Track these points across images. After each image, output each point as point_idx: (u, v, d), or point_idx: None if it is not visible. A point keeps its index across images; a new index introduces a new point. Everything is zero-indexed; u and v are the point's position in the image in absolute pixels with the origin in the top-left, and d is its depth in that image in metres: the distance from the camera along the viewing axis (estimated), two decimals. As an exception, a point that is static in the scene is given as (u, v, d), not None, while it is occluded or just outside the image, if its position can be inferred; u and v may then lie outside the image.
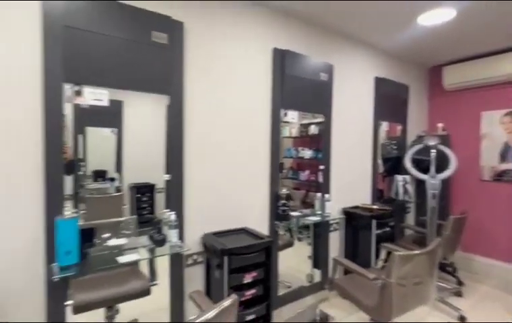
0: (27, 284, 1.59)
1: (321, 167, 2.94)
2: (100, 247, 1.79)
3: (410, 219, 3.88)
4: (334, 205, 2.96)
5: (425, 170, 3.18)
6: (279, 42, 2.53)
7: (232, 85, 2.30)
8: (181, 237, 2.00)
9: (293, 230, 2.92)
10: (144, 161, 2.79)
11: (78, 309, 1.75)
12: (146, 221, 2.76)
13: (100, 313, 1.96)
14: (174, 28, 1.95)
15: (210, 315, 1.12)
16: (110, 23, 1.74)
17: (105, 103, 1.79)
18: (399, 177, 3.59)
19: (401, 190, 3.58)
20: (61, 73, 1.61)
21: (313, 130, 2.97)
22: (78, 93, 1.69)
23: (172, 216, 1.92)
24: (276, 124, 2.54)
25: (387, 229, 3.04)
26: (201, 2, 2.10)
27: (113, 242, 1.90)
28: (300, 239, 3.10)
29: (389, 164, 3.70)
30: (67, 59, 1.62)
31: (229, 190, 2.32)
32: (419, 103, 3.99)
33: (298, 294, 2.76)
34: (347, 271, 2.50)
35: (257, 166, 2.46)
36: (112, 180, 2.76)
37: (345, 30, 2.92)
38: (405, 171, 3.48)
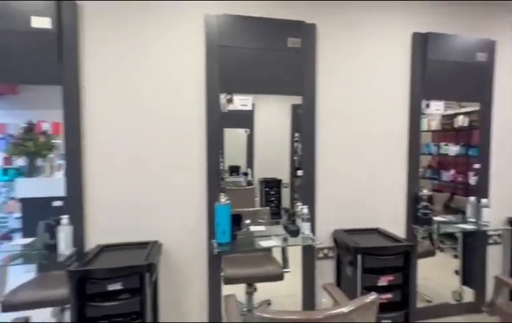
0: (195, 253, 2.03)
1: (476, 166, 2.45)
2: (244, 231, 2.08)
3: None
4: (494, 213, 2.41)
5: None
6: (419, 25, 2.27)
7: (365, 81, 2.23)
8: (313, 230, 2.09)
9: (434, 237, 2.56)
10: (272, 157, 3.07)
11: (227, 280, 2.11)
12: (275, 212, 3.02)
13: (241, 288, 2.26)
14: (307, 31, 2.06)
15: (349, 308, 1.13)
16: (251, 37, 2.00)
17: (249, 107, 2.07)
18: None
19: None
20: (218, 84, 1.97)
21: (461, 121, 2.51)
22: (230, 101, 2.02)
23: (304, 209, 2.03)
24: (415, 117, 2.29)
25: None
26: (331, 2, 2.13)
27: (253, 228, 2.17)
28: (441, 249, 2.68)
29: None
30: (221, 73, 1.97)
31: (361, 188, 2.26)
32: None
33: (441, 311, 2.40)
34: (515, 296, 2.00)
35: (392, 164, 2.29)
36: (245, 174, 3.16)
37: (513, -6, 2.32)
38: None
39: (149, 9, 1.91)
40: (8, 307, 1.84)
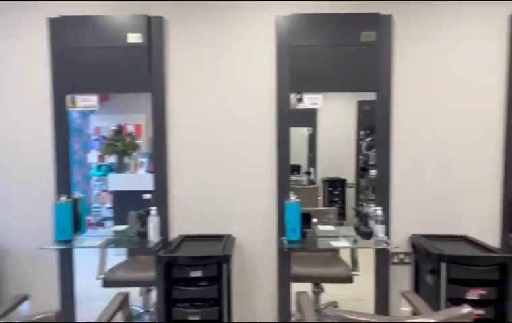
0: (265, 248, 2.10)
1: None
2: (313, 230, 2.07)
3: None
4: None
5: None
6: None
7: (450, 71, 2.02)
8: (387, 233, 1.98)
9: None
10: (335, 156, 2.98)
11: (295, 278, 2.13)
12: (340, 213, 2.93)
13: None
14: (383, 24, 1.95)
15: (439, 318, 1.05)
16: (322, 35, 1.97)
17: (319, 105, 2.05)
18: None
19: None
20: (288, 84, 2.00)
21: None
22: (300, 100, 2.03)
23: (378, 211, 1.93)
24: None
25: None
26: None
27: (322, 228, 2.14)
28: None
29: None
30: (292, 72, 1.99)
31: (444, 189, 2.05)
32: None
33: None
34: None
35: (483, 160, 2.04)
36: (308, 173, 3.12)
37: None
38: None
39: (222, 17, 2.04)
40: (108, 283, 2.17)
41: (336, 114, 2.86)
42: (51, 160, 2.06)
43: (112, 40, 1.97)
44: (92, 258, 2.14)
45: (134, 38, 1.97)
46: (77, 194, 2.11)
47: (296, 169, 2.93)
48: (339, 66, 1.98)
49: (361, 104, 2.77)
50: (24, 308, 1.56)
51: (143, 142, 2.85)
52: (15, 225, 2.11)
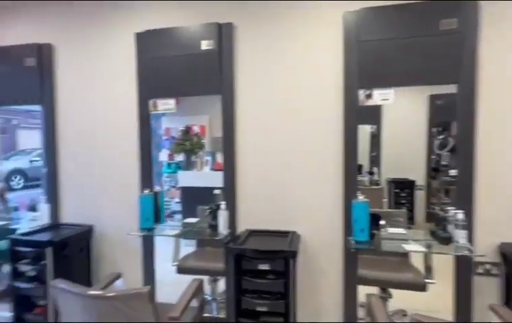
0: (330, 247, 2.08)
1: None
2: (382, 232, 1.98)
3: None
4: None
5: None
6: None
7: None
8: (470, 239, 1.79)
9: None
10: (402, 156, 2.76)
11: (361, 280, 2.06)
12: (408, 216, 2.72)
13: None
14: (467, 9, 1.78)
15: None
16: (393, 27, 1.88)
17: (391, 101, 1.96)
18: None
19: None
20: (356, 80, 1.95)
21: None
22: (368, 96, 1.96)
23: (459, 215, 1.76)
24: None
25: None
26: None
27: (392, 230, 2.04)
28: None
29: None
30: (360, 68, 1.94)
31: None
32: None
33: None
34: None
35: None
36: (371, 173, 2.96)
37: None
38: None
39: (287, 18, 2.07)
40: (181, 270, 2.38)
41: (404, 110, 2.67)
42: (137, 159, 2.35)
43: (187, 48, 2.16)
44: (164, 246, 2.38)
45: (207, 44, 2.13)
46: (157, 188, 2.36)
47: (357, 169, 2.83)
48: (413, 59, 1.86)
49: (433, 99, 2.54)
50: (119, 284, 1.82)
51: (207, 141, 3.04)
52: (110, 213, 2.45)
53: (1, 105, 2.71)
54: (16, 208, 2.81)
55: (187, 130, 3.22)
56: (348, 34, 1.94)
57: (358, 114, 1.99)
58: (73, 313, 1.33)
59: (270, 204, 2.16)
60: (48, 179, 2.50)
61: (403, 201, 2.76)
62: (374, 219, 1.90)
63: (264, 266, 1.76)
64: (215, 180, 2.34)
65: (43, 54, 2.43)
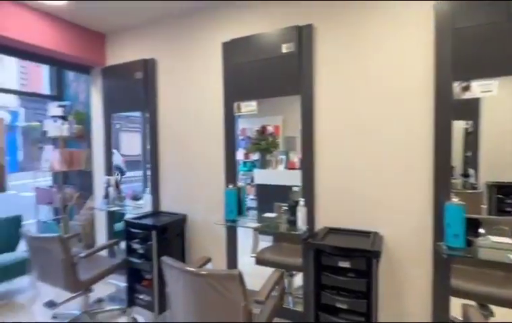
0: (417, 252, 1.95)
1: None
2: (481, 240, 1.77)
3: None
4: None
5: None
6: None
7: None
8: None
9: None
10: (507, 157, 2.37)
11: (453, 291, 1.87)
12: (514, 225, 2.32)
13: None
14: None
15: None
16: (498, 9, 1.67)
17: (494, 93, 1.74)
18: None
19: None
20: (450, 72, 1.79)
21: None
22: (465, 89, 1.78)
23: None
24: None
25: None
26: None
27: (494, 239, 1.80)
28: None
29: None
30: (455, 58, 1.77)
31: None
32: None
33: None
34: None
35: None
36: (466, 176, 2.61)
37: None
38: None
39: (368, 17, 2.02)
40: (259, 261, 2.52)
41: (508, 104, 2.31)
42: (223, 157, 2.59)
43: (268, 52, 2.29)
44: (242, 239, 2.56)
45: (287, 47, 2.23)
46: (240, 183, 2.57)
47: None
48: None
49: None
50: (209, 267, 2.05)
51: (281, 141, 3.15)
52: (200, 205, 2.76)
53: (118, 112, 3.29)
54: (123, 198, 3.38)
55: (262, 131, 3.39)
56: (440, 24, 1.80)
57: (452, 109, 1.82)
58: (175, 285, 1.57)
59: (350, 204, 2.13)
60: (151, 174, 2.95)
61: (509, 208, 2.39)
62: (472, 224, 1.72)
63: (344, 264, 1.76)
64: (289, 178, 2.42)
65: (148, 68, 2.88)
